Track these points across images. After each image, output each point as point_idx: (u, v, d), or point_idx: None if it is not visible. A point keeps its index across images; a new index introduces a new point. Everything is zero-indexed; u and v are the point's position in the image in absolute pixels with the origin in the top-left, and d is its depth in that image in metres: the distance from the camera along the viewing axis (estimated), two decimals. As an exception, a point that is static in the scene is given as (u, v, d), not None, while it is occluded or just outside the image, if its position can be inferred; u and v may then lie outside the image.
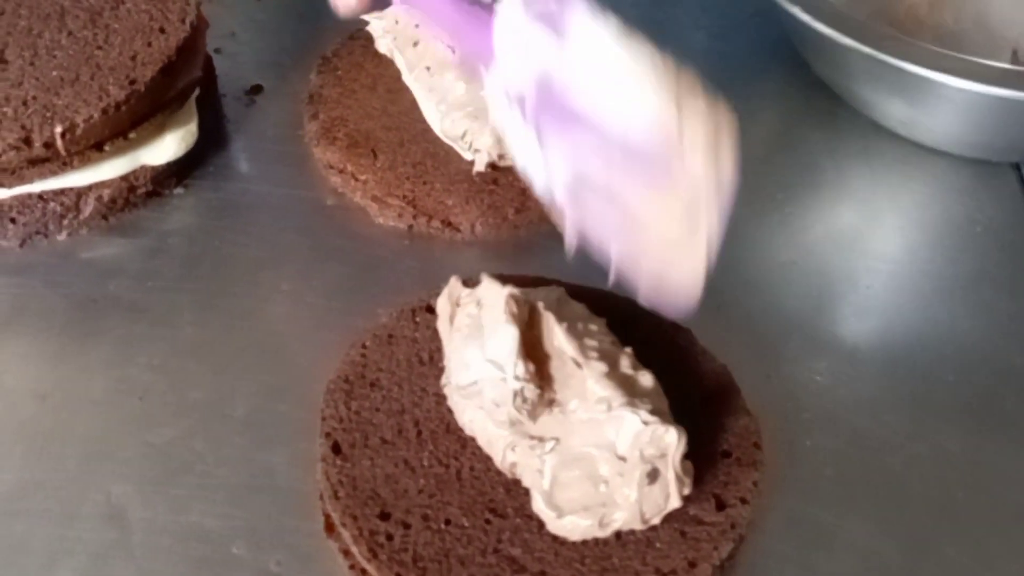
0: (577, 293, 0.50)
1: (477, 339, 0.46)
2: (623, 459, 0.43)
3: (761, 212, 0.61)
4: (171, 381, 0.53)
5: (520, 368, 0.44)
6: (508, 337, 0.45)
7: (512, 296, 0.46)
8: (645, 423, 0.42)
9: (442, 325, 0.49)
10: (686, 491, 0.43)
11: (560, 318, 0.46)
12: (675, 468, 0.42)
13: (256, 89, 0.66)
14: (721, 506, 0.45)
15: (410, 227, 0.59)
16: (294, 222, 0.60)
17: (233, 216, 0.60)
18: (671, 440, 0.42)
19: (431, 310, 0.51)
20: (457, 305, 0.49)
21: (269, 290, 0.56)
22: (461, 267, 0.57)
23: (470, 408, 0.46)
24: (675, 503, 0.43)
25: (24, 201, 0.56)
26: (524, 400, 0.44)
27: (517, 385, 0.44)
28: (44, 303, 0.55)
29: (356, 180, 0.60)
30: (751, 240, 0.60)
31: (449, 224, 0.59)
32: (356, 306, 0.55)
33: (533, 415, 0.44)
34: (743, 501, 0.46)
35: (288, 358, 0.54)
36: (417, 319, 0.51)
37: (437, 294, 0.51)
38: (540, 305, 0.46)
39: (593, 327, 0.46)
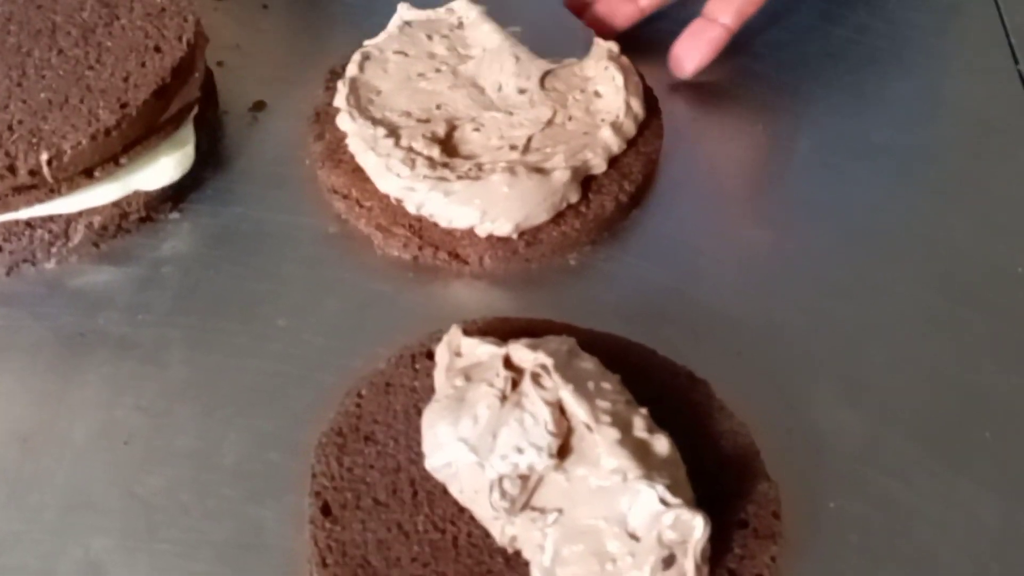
0: (589, 341, 0.46)
1: (453, 413, 0.42)
2: (636, 538, 0.39)
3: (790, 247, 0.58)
4: (158, 425, 0.50)
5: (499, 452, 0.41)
6: (485, 411, 0.42)
7: (505, 359, 0.43)
8: (666, 503, 0.39)
9: (439, 377, 0.46)
10: (705, 580, 0.40)
11: (568, 376, 0.42)
12: (696, 558, 0.39)
13: (259, 105, 0.63)
14: (736, 583, 0.42)
15: (415, 258, 0.56)
16: (294, 251, 0.56)
17: (230, 244, 0.57)
18: (696, 528, 0.39)
19: (432, 356, 0.48)
20: (458, 355, 0.46)
21: (265, 326, 0.53)
22: (468, 303, 0.55)
23: (453, 487, 0.43)
24: (690, 594, 0.40)
25: (10, 228, 0.54)
26: (503, 494, 0.41)
27: (494, 474, 0.41)
28: (30, 337, 0.53)
29: (360, 207, 0.57)
30: (776, 276, 0.56)
31: (456, 256, 0.55)
32: (356, 345, 0.52)
33: (513, 510, 0.41)
34: (760, 578, 0.42)
35: (282, 402, 0.51)
36: (417, 366, 0.48)
37: (439, 337, 0.48)
38: (548, 362, 0.43)
39: (606, 385, 0.43)
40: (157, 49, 0.55)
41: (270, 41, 0.67)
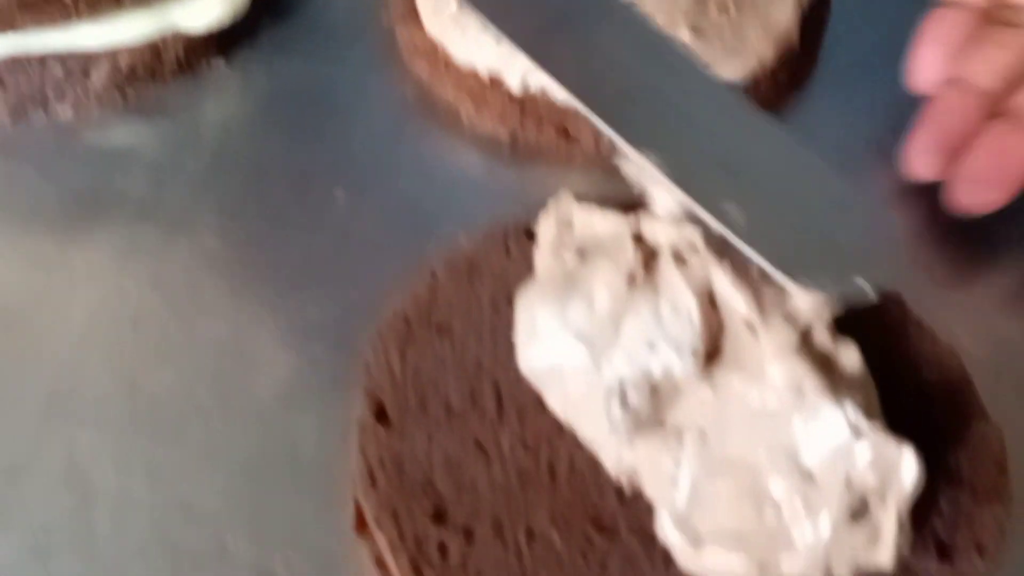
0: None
1: (561, 295, 0.31)
2: (810, 476, 0.28)
3: None
4: (177, 305, 0.40)
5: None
6: (606, 294, 0.30)
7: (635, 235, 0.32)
8: (857, 431, 0.27)
9: (542, 258, 0.34)
10: (907, 549, 0.29)
11: (723, 256, 0.31)
12: (899, 512, 0.28)
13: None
14: (946, 554, 0.30)
15: (513, 134, 0.44)
16: (363, 119, 0.46)
17: (285, 104, 0.46)
18: (906, 470, 0.27)
19: (531, 235, 0.37)
20: (568, 228, 0.34)
21: (319, 199, 0.43)
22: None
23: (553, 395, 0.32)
24: (885, 562, 0.28)
25: (17, 61, 0.43)
26: (624, 406, 0.29)
27: (613, 378, 0.29)
28: (32, 194, 0.43)
29: (448, 67, 0.45)
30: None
31: (566, 134, 0.44)
32: (430, 229, 0.41)
33: (637, 428, 0.29)
34: (979, 550, 0.30)
35: (333, 285, 0.40)
36: (510, 245, 0.37)
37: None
38: (697, 237, 0.31)
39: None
40: None
41: None
